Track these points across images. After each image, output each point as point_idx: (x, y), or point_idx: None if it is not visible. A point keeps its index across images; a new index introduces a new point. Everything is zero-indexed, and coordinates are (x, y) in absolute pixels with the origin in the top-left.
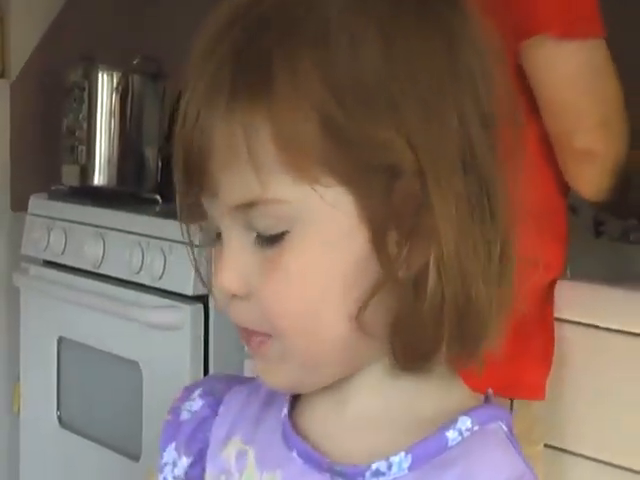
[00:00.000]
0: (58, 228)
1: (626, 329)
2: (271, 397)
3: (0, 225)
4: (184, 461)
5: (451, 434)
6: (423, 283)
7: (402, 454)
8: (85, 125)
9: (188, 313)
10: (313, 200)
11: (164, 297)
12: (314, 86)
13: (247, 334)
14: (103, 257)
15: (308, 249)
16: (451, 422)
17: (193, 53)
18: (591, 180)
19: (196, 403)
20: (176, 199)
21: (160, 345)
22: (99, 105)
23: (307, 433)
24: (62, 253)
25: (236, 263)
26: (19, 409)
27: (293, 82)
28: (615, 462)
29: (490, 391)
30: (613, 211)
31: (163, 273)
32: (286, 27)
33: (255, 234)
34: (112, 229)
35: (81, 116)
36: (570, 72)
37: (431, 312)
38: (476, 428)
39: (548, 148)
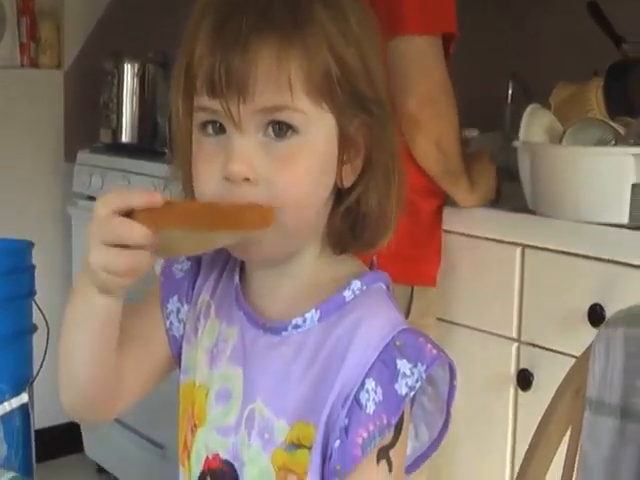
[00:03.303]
0: (97, 173)
1: (491, 237)
2: (227, 263)
3: (58, 172)
4: (185, 308)
5: (347, 293)
6: (353, 191)
7: (313, 311)
8: (116, 100)
9: None
10: (317, 117)
11: None
12: (334, 40)
13: None
14: None
15: (310, 149)
16: (346, 285)
17: None
18: (421, 148)
19: (186, 263)
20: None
21: None
22: (125, 86)
23: (250, 298)
24: (100, 190)
25: (251, 154)
26: None
27: (322, 33)
28: (486, 329)
29: (374, 259)
30: None
31: None
32: None
33: (261, 135)
34: (134, 173)
35: (113, 94)
36: (418, 58)
37: (354, 212)
38: (364, 288)
39: None
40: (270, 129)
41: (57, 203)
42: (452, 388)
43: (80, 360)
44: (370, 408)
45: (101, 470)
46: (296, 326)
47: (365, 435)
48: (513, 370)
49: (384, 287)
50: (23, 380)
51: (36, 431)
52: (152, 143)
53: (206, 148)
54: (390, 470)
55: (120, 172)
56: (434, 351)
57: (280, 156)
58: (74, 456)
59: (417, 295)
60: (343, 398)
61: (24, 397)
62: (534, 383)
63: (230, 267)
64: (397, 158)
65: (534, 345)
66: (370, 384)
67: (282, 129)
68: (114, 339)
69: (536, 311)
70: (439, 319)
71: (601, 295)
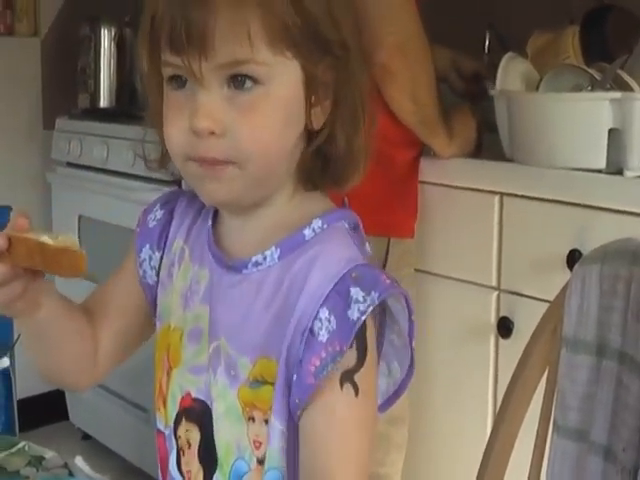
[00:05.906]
0: (76, 139)
1: (468, 186)
2: (202, 209)
3: (36, 139)
4: (157, 255)
5: (307, 231)
6: (322, 131)
7: (273, 248)
8: (93, 65)
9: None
10: (281, 66)
11: (150, 182)
12: None
13: (211, 165)
14: (107, 157)
15: (274, 99)
16: (307, 223)
17: None
18: (395, 100)
19: (159, 213)
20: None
21: None
22: (102, 51)
23: (222, 241)
24: (79, 156)
25: (215, 108)
26: None
27: None
28: (465, 278)
29: (346, 200)
30: None
31: None
32: None
33: (225, 88)
34: (113, 137)
35: (90, 59)
36: (386, 7)
37: (323, 151)
38: (325, 226)
39: None
40: (233, 82)
41: (36, 170)
42: (411, 324)
43: (39, 355)
44: (323, 336)
45: (87, 437)
46: (256, 264)
47: (317, 363)
48: (493, 318)
49: (346, 225)
50: (4, 344)
51: (20, 400)
52: (130, 107)
53: (174, 101)
54: (356, 394)
55: (99, 137)
56: (388, 281)
57: (243, 107)
58: (59, 424)
59: (393, 246)
60: (301, 331)
61: (5, 361)
62: (514, 331)
63: (204, 212)
64: (366, 98)
65: (514, 293)
66: (324, 313)
67: (244, 82)
68: (65, 331)
69: (515, 259)
70: (418, 270)
71: (579, 241)
